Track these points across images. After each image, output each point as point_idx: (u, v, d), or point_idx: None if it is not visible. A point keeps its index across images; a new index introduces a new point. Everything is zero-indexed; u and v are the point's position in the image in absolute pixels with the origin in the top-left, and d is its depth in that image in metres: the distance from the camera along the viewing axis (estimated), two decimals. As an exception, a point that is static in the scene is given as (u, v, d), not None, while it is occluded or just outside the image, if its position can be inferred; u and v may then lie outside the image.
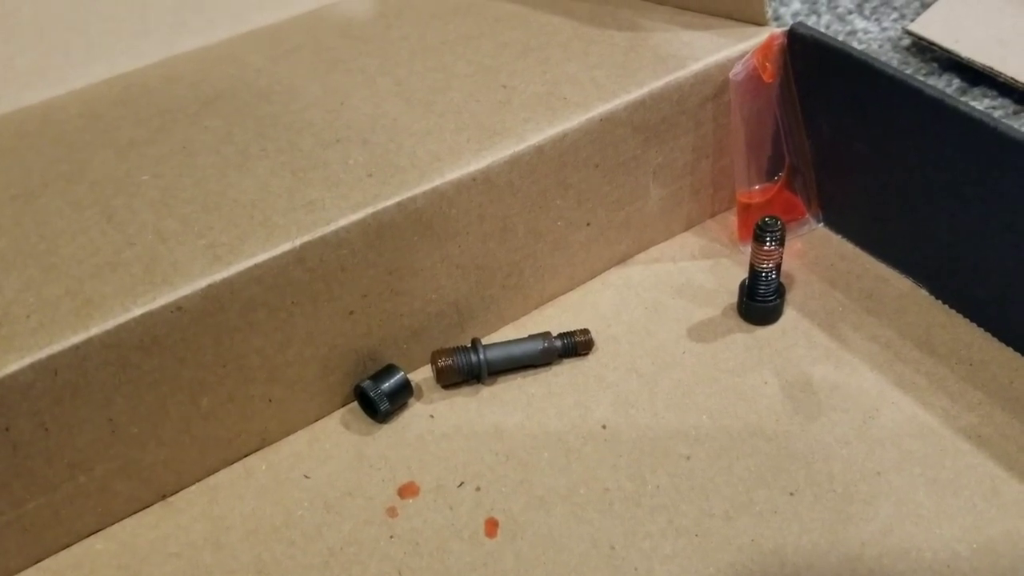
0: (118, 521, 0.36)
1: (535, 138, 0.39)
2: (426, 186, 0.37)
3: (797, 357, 0.41)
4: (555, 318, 0.43)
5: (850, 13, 0.49)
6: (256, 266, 0.34)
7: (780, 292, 0.42)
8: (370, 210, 0.36)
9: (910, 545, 0.34)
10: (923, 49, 0.46)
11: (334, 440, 0.39)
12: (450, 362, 0.40)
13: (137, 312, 0.33)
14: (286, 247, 0.35)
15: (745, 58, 0.43)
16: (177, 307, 0.33)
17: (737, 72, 0.42)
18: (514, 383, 0.41)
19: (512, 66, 0.43)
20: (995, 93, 0.44)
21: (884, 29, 0.49)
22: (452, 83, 0.42)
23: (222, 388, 0.36)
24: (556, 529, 0.35)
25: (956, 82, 0.45)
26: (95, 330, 0.32)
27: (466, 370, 0.40)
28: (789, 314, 0.43)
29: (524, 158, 0.39)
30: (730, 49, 0.43)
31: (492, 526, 0.35)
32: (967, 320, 0.42)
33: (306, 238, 0.35)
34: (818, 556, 0.34)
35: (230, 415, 0.37)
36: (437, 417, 0.39)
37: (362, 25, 0.47)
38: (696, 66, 0.42)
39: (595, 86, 0.41)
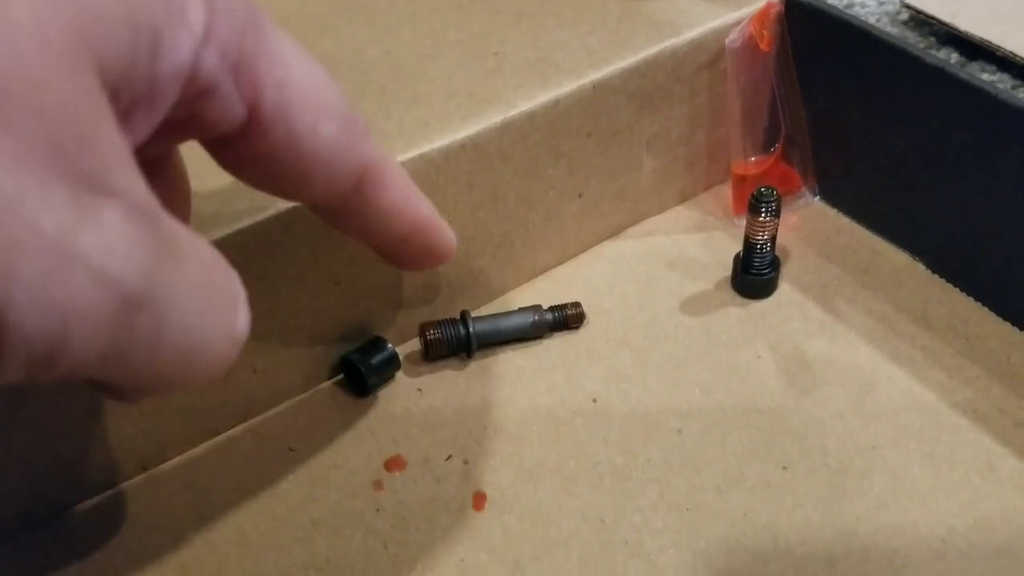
0: (99, 493, 0.35)
1: (526, 105, 0.38)
2: (414, 152, 0.36)
3: (791, 331, 0.40)
4: (546, 291, 0.42)
5: (848, -15, 0.48)
6: (240, 232, 0.33)
7: (775, 265, 0.41)
8: (357, 177, 0.35)
9: (905, 520, 0.33)
10: (921, 23, 0.46)
11: (320, 413, 0.38)
12: (438, 335, 0.39)
13: (116, 278, 0.32)
14: (271, 213, 0.34)
15: (742, 25, 0.42)
16: (158, 273, 0.32)
17: (733, 40, 0.42)
18: (503, 356, 0.40)
19: (503, 33, 0.42)
20: (994, 67, 0.43)
21: (882, 3, 0.48)
22: (442, 51, 0.41)
23: (204, 358, 0.35)
24: (545, 503, 0.35)
25: (954, 56, 0.44)
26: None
27: (455, 343, 0.39)
28: (784, 288, 0.42)
29: (515, 125, 0.38)
30: (726, 16, 0.42)
31: (480, 500, 0.35)
32: (964, 294, 0.41)
33: (291, 204, 0.34)
34: (811, 531, 0.33)
35: (213, 386, 0.36)
36: (425, 390, 0.39)
37: (351, -7, 0.46)
38: (692, 33, 0.41)
39: (588, 53, 0.40)
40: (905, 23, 0.46)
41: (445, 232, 0.31)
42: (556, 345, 0.40)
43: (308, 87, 0.24)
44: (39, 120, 0.16)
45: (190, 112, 0.22)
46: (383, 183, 0.27)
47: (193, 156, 0.36)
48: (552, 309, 0.40)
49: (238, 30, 0.22)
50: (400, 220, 0.29)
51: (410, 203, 0.29)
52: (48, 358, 0.17)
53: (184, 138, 0.25)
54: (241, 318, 0.22)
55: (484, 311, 0.41)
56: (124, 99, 0.19)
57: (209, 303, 0.20)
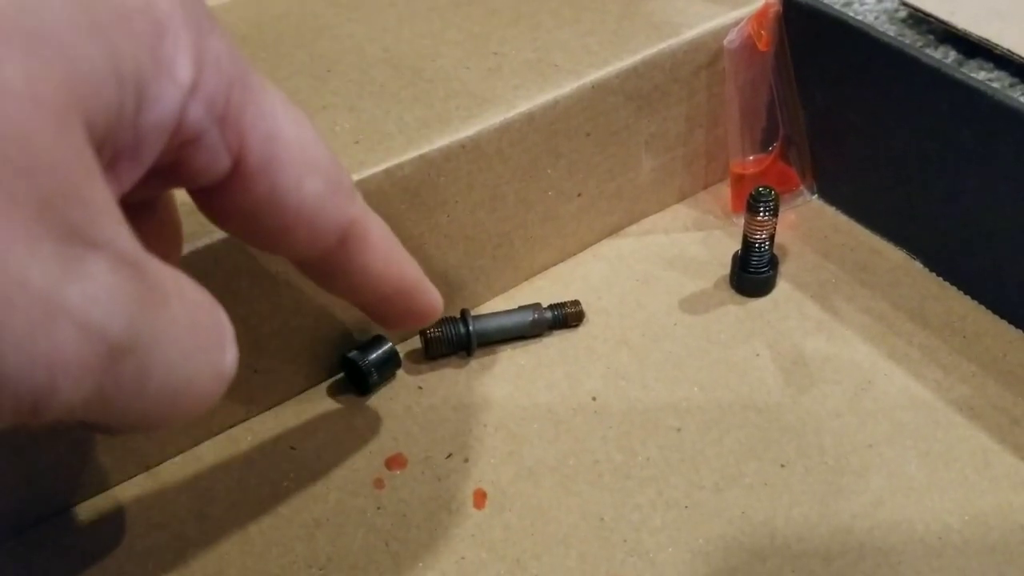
0: (101, 492, 0.36)
1: (525, 105, 0.38)
2: (414, 153, 0.36)
3: (789, 329, 0.40)
4: (545, 289, 0.43)
5: (846, -17, 0.48)
6: (240, 233, 0.34)
7: (773, 264, 0.42)
8: (356, 177, 0.35)
9: (901, 517, 0.34)
10: (919, 21, 0.46)
11: (321, 411, 0.38)
12: (439, 333, 0.39)
13: (118, 279, 0.32)
14: (271, 214, 0.34)
15: (740, 26, 0.42)
16: (159, 274, 0.33)
17: (732, 40, 0.42)
18: (503, 355, 0.40)
19: (503, 33, 0.42)
20: (991, 66, 0.43)
21: (880, 0, 0.48)
22: (441, 50, 0.41)
23: (206, 357, 0.35)
24: (545, 501, 0.35)
25: (952, 54, 0.44)
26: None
27: (455, 341, 0.39)
28: (782, 286, 0.42)
29: (514, 125, 0.38)
30: (725, 16, 0.42)
31: (480, 497, 0.35)
32: (961, 292, 0.41)
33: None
34: (808, 528, 0.34)
35: (214, 385, 0.36)
36: (425, 388, 0.39)
37: (350, -9, 0.47)
38: (690, 33, 0.41)
39: (587, 53, 0.40)
40: (903, 21, 0.46)
41: (429, 294, 0.31)
42: (555, 343, 0.41)
43: (295, 142, 0.24)
44: (27, 178, 0.16)
45: (176, 160, 0.22)
46: (367, 242, 0.27)
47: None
48: (551, 307, 0.41)
49: (226, 82, 0.22)
50: (382, 280, 0.29)
51: (393, 264, 0.29)
52: (34, 407, 0.17)
53: (171, 185, 0.25)
54: (228, 356, 0.22)
55: (484, 310, 0.42)
56: (109, 150, 0.19)
57: (195, 344, 0.20)
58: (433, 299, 0.32)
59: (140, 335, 0.18)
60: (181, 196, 0.26)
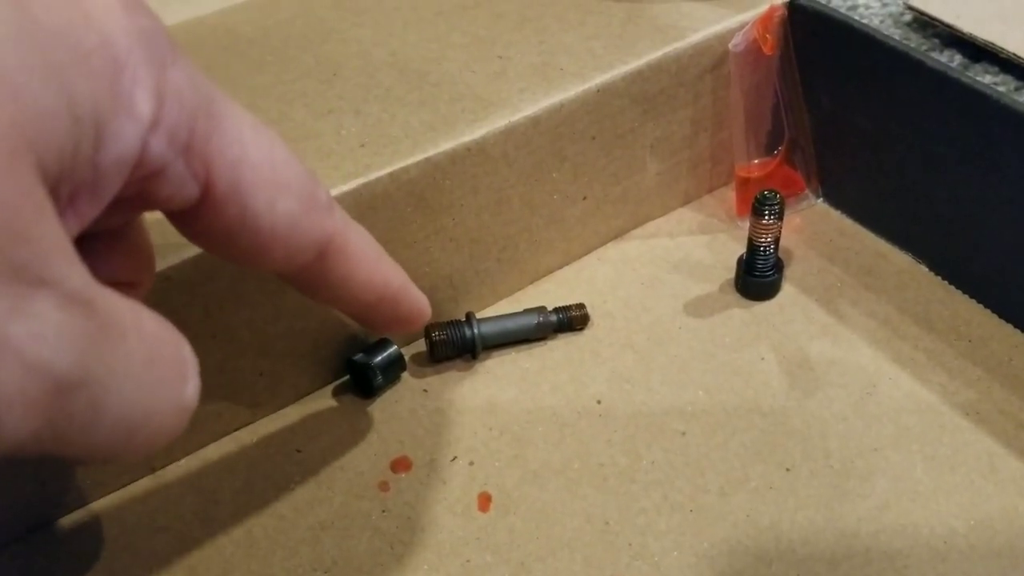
0: (106, 495, 0.36)
1: (531, 108, 0.38)
2: (419, 156, 0.36)
3: (795, 333, 0.40)
4: (550, 293, 0.43)
5: (851, -13, 0.48)
6: (246, 236, 0.34)
7: (778, 267, 0.42)
8: (362, 180, 0.35)
9: (907, 521, 0.34)
10: (924, 25, 0.46)
11: (326, 414, 0.38)
12: (444, 336, 0.39)
13: (125, 281, 0.32)
14: (277, 217, 0.34)
15: (745, 29, 0.42)
16: (165, 277, 0.33)
17: (737, 44, 0.42)
18: (508, 358, 0.40)
19: (508, 37, 0.42)
20: (997, 69, 0.43)
21: (885, 4, 0.48)
22: (447, 54, 0.41)
23: (211, 360, 0.35)
24: (550, 504, 0.35)
25: (958, 58, 0.44)
26: (82, 299, 0.32)
27: (460, 344, 0.39)
28: (787, 290, 0.42)
29: (519, 129, 0.38)
30: (730, 20, 0.42)
31: (485, 501, 0.35)
32: (966, 296, 0.41)
33: (297, 208, 0.34)
34: (814, 532, 0.34)
35: (220, 388, 0.36)
36: (430, 391, 0.39)
37: (356, -5, 0.47)
38: (695, 37, 0.41)
39: (592, 56, 0.40)
40: (908, 24, 0.46)
41: (415, 301, 0.32)
42: (560, 346, 0.41)
43: (265, 165, 0.24)
44: None
45: (141, 191, 0.22)
46: (346, 254, 0.28)
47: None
48: (556, 311, 0.41)
49: (189, 113, 0.22)
50: (366, 289, 0.29)
51: (376, 272, 0.29)
52: None
53: (141, 211, 0.25)
54: (189, 388, 0.22)
55: (489, 313, 0.42)
56: (67, 187, 0.19)
57: (152, 378, 0.20)
58: (419, 304, 0.32)
59: (91, 371, 0.18)
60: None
